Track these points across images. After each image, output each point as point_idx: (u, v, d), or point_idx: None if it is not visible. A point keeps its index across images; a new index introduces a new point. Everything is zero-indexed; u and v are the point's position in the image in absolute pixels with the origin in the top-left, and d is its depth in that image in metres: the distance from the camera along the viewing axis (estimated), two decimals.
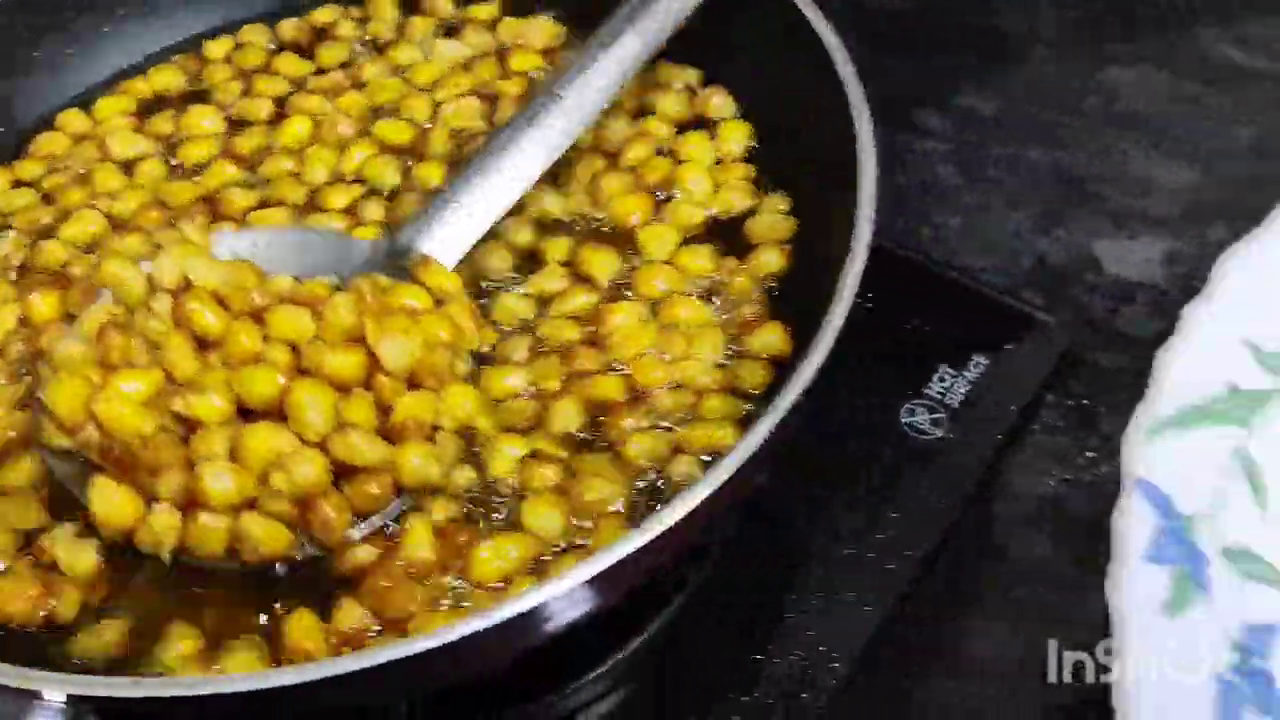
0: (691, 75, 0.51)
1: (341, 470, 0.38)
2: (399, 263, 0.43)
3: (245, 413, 0.38)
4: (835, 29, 0.44)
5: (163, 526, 0.36)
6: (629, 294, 0.44)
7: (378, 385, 0.39)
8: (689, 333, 0.43)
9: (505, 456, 0.40)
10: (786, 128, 0.47)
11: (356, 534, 0.38)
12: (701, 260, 0.45)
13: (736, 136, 0.49)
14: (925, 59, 0.61)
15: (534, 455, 0.40)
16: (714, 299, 0.44)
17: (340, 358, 0.38)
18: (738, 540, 0.44)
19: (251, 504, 0.37)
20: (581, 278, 0.45)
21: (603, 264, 0.45)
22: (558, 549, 0.38)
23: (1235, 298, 0.39)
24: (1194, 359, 0.38)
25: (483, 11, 0.56)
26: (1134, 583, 0.34)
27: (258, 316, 0.40)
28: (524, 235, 0.47)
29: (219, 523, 0.37)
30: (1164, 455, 0.36)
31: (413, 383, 0.39)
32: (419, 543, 0.38)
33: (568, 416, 0.41)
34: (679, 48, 0.49)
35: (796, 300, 0.42)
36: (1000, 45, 0.63)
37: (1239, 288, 0.39)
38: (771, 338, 0.42)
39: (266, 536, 0.37)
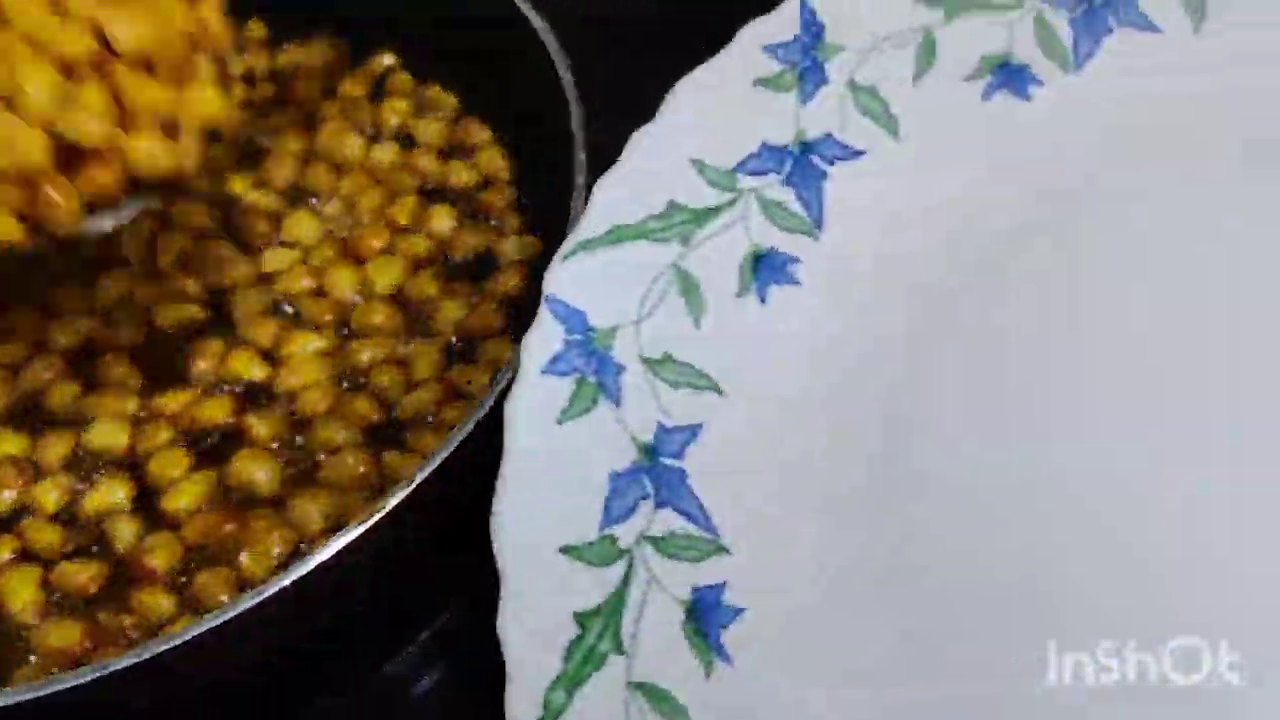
0: (450, 102, 0.53)
1: (71, 156, 0.37)
2: None
3: None
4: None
5: None
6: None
7: (111, 72, 0.37)
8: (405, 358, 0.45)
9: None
10: (531, 145, 0.50)
11: (91, 228, 0.38)
12: (428, 287, 0.47)
13: (494, 164, 0.51)
14: None
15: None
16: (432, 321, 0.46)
17: (68, 34, 0.37)
18: None
19: None
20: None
21: (341, 280, 0.47)
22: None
23: (682, 119, 0.38)
24: (633, 181, 0.37)
25: (256, 30, 0.57)
26: (529, 395, 0.33)
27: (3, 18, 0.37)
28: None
29: None
30: (585, 274, 0.36)
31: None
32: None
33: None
34: (436, 70, 0.53)
35: None
36: None
37: (687, 110, 0.38)
38: (505, 354, 0.44)
39: None
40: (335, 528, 0.39)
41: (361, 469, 0.41)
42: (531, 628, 0.30)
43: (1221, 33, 0.41)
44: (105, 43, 0.37)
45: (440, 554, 0.39)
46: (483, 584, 0.31)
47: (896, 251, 0.38)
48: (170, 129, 0.39)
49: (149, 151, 0.38)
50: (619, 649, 0.30)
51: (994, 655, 0.31)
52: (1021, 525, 0.33)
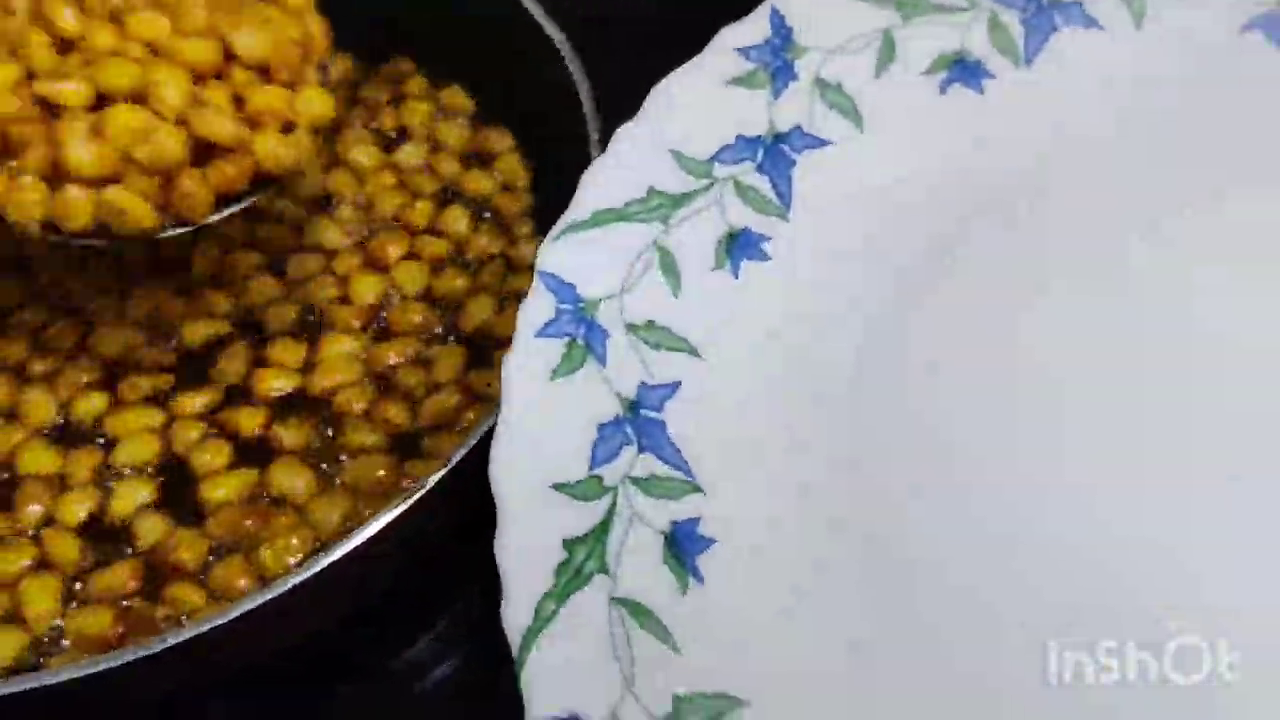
0: (468, 105, 0.57)
1: (201, 153, 0.41)
2: None
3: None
4: None
5: (29, 198, 0.39)
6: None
7: (233, 76, 0.42)
8: (428, 359, 0.48)
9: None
10: (536, 145, 0.53)
11: (216, 218, 0.42)
12: (458, 281, 0.50)
13: (514, 171, 0.54)
14: None
15: None
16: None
17: (196, 44, 0.41)
18: None
19: (117, 181, 0.40)
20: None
21: (366, 286, 0.50)
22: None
23: (663, 114, 0.42)
24: (617, 170, 0.41)
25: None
26: (523, 356, 0.37)
27: (117, 19, 0.41)
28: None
29: (84, 194, 0.39)
30: (574, 251, 0.39)
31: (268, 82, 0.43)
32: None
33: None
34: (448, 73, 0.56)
35: None
36: None
37: (669, 105, 0.42)
38: None
39: (131, 208, 0.40)
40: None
41: (383, 474, 0.44)
42: (524, 549, 0.33)
43: (1160, 24, 0.45)
44: (227, 52, 0.42)
45: (459, 543, 0.40)
46: (496, 573, 0.33)
47: (859, 231, 0.42)
48: (286, 127, 0.42)
49: (273, 147, 0.42)
50: (604, 570, 0.34)
51: (990, 649, 0.33)
52: (990, 498, 0.35)
